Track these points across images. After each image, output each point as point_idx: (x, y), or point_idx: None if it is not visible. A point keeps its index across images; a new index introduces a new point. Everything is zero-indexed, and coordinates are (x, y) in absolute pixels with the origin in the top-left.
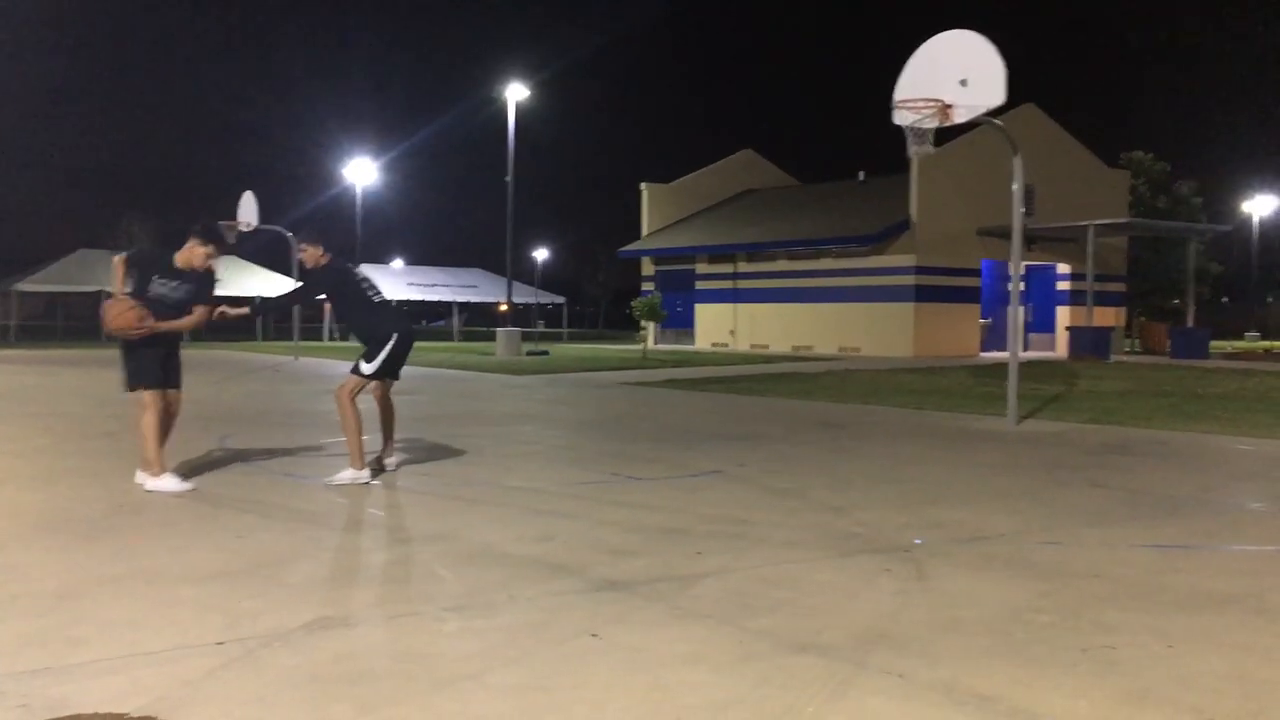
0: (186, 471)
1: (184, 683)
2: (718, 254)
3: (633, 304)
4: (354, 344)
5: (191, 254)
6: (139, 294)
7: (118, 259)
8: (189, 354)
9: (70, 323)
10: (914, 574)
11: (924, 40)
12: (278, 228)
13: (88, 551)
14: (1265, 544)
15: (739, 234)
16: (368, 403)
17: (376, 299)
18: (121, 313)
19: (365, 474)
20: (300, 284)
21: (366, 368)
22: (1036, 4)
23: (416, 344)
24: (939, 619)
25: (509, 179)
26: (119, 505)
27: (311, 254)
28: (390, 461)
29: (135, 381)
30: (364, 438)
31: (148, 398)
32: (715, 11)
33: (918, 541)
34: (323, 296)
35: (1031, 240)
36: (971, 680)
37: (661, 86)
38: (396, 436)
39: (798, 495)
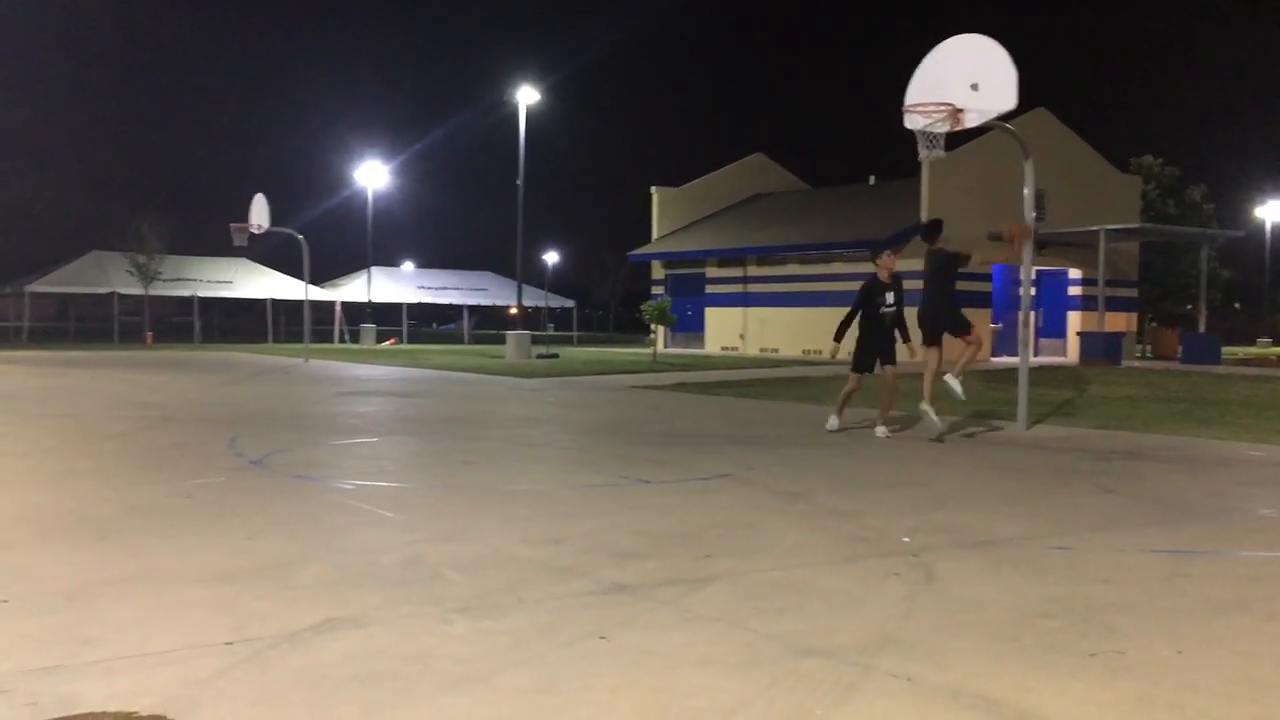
0: (192, 474)
1: (193, 682)
2: (728, 258)
3: (642, 307)
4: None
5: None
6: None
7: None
8: (197, 356)
9: (82, 324)
10: (922, 578)
11: (935, 44)
12: (289, 230)
13: (98, 552)
14: (1275, 550)
15: (749, 238)
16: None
17: None
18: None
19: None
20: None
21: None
22: (1048, 8)
23: (426, 346)
24: (947, 623)
25: (519, 182)
26: (130, 507)
27: (890, 265)
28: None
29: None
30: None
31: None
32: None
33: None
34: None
35: (1043, 245)
36: (980, 684)
37: (673, 90)
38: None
39: (806, 499)
